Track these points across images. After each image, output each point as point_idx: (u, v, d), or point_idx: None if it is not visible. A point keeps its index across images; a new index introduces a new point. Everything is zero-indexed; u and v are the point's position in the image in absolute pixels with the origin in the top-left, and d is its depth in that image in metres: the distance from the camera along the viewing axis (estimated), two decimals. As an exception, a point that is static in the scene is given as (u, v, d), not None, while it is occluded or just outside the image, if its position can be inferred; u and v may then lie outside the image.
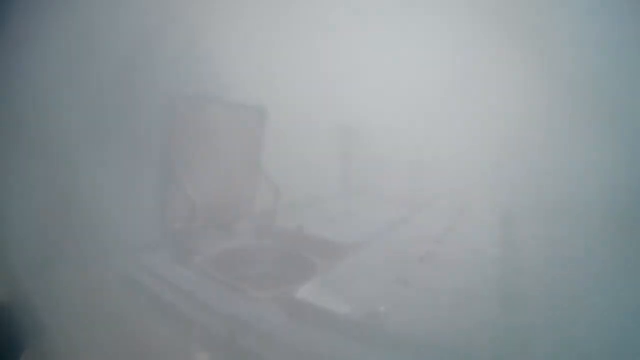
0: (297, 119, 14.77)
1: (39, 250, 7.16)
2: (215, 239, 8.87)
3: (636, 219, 9.78)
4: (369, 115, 16.57)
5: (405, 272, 6.53)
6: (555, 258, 8.41)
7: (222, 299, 6.02)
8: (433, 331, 4.82)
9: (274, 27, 13.50)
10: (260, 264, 8.66)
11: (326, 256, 7.86)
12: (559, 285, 6.71)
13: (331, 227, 9.77)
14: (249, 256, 8.68)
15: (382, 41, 15.89)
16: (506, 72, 14.61)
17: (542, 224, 11.62)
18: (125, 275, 7.22)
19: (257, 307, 5.76)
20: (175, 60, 11.10)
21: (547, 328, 5.21)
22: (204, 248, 8.19)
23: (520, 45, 13.22)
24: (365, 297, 5.62)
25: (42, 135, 9.04)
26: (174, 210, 8.55)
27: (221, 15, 11.88)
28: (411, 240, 8.91)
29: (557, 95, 12.89)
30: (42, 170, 8.37)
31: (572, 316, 5.58)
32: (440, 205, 13.96)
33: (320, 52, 14.65)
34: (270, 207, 9.91)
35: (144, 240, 8.37)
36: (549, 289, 6.55)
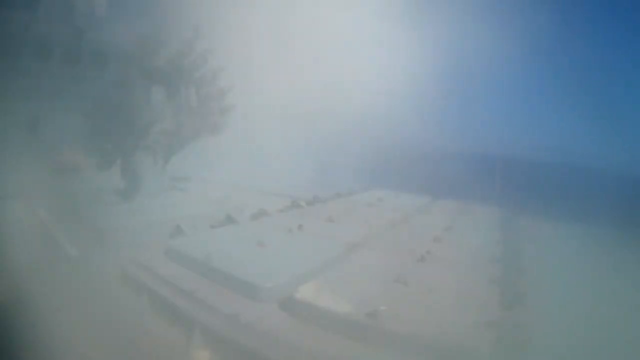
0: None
1: (39, 250, 7.15)
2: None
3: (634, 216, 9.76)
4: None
5: (405, 271, 6.49)
6: (555, 258, 8.40)
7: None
8: (432, 331, 4.82)
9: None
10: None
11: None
12: (559, 285, 6.70)
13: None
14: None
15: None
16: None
17: (543, 222, 11.61)
18: (125, 273, 7.19)
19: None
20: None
21: (547, 328, 5.20)
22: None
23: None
24: (365, 297, 5.59)
25: (44, 137, 9.02)
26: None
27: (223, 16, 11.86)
28: (411, 240, 8.91)
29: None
30: (42, 171, 8.36)
31: (572, 315, 5.58)
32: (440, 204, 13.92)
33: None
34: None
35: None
36: (548, 288, 6.54)
